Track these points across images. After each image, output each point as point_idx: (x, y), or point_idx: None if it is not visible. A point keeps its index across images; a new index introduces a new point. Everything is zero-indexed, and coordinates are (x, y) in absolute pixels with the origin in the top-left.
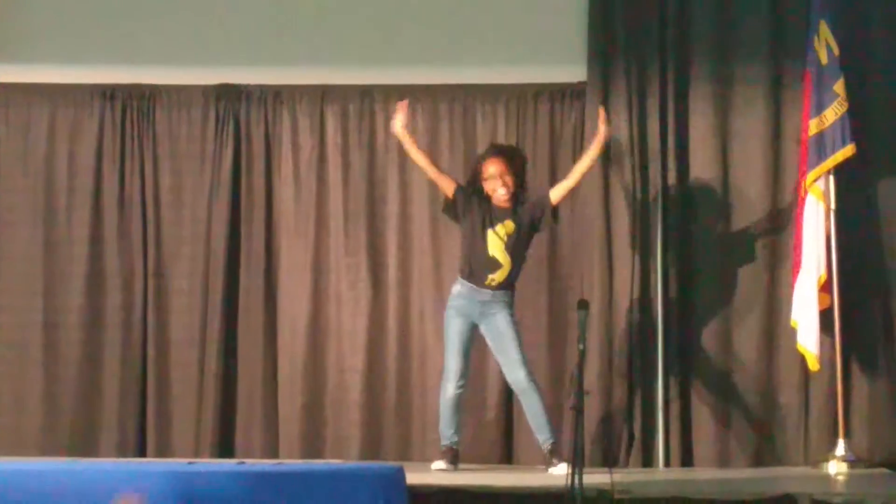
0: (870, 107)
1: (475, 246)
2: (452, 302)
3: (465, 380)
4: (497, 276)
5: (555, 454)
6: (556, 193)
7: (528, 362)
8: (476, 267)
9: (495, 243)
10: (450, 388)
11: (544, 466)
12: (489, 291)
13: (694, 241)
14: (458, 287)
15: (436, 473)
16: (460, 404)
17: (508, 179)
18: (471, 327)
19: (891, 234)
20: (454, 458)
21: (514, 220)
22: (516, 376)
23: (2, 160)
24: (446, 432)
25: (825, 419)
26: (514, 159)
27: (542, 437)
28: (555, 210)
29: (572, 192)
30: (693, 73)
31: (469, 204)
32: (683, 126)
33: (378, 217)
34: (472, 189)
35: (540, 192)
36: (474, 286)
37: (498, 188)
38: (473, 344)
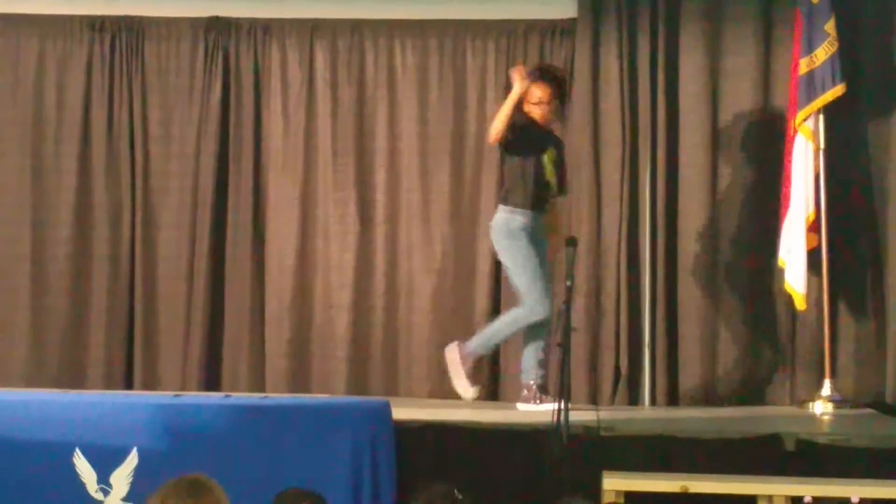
0: (860, 47)
1: (536, 173)
2: (522, 231)
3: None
4: (550, 201)
5: (540, 391)
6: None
7: None
8: (538, 193)
9: (549, 167)
10: (543, 311)
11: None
12: (542, 216)
13: (682, 180)
14: (520, 217)
15: (422, 409)
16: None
17: (555, 105)
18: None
19: (879, 175)
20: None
21: (555, 143)
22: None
23: None
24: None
25: (811, 359)
26: (561, 84)
27: (533, 375)
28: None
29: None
30: (683, 11)
31: (523, 133)
32: (673, 63)
33: (366, 152)
34: (518, 114)
35: None
36: (535, 212)
37: (546, 114)
38: None
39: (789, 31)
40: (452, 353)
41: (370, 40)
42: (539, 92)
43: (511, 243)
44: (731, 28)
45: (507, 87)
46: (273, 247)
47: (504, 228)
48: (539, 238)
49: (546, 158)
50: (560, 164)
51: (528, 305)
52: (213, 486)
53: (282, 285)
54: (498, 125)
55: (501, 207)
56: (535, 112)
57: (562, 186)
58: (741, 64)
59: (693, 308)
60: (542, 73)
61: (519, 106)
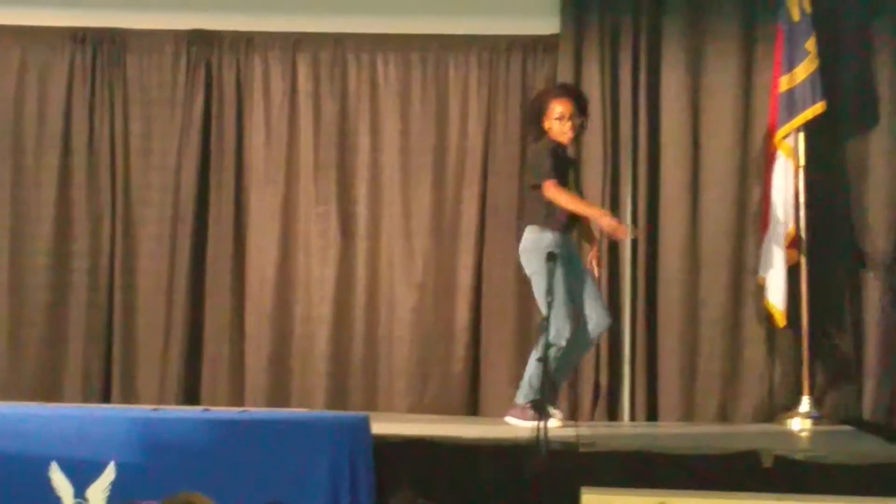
0: (841, 65)
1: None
2: (554, 251)
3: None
4: (577, 222)
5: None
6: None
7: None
8: (566, 213)
9: (574, 188)
10: (568, 334)
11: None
12: (571, 235)
13: (663, 195)
14: (550, 236)
15: (401, 424)
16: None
17: (577, 120)
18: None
19: (859, 192)
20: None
21: (575, 166)
22: (603, 321)
23: None
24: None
25: (790, 376)
26: (580, 101)
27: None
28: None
29: None
30: (665, 28)
31: (554, 155)
32: (655, 80)
33: (348, 166)
34: (538, 131)
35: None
36: (566, 234)
37: (568, 130)
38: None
39: (770, 49)
40: (514, 420)
41: (353, 54)
42: (560, 107)
43: (542, 265)
44: (712, 45)
45: (490, 103)
46: (253, 260)
47: (534, 248)
48: (571, 253)
49: (570, 178)
50: (579, 184)
51: (554, 329)
52: None
53: (262, 299)
54: (558, 201)
55: (530, 228)
56: (557, 128)
57: None
58: (722, 81)
59: (673, 324)
60: (562, 89)
61: (541, 125)
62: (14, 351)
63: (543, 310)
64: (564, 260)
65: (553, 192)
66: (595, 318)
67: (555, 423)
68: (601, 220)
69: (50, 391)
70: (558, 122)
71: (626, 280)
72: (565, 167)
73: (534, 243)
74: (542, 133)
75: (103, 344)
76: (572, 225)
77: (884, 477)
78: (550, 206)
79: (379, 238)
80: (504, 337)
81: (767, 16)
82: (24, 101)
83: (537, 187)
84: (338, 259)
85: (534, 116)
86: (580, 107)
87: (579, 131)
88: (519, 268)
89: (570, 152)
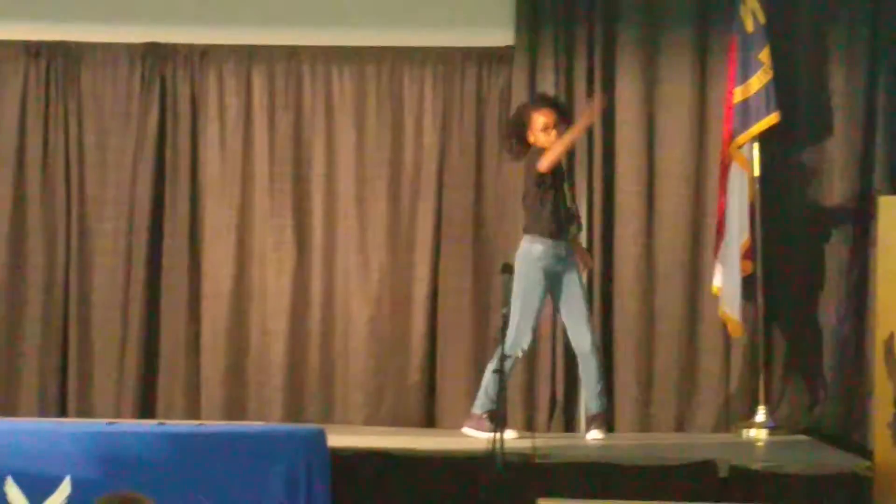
0: (795, 75)
1: (557, 201)
2: (538, 263)
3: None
4: (573, 229)
5: (594, 422)
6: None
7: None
8: (561, 222)
9: (569, 196)
10: (525, 346)
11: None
12: (565, 245)
13: (617, 207)
14: (540, 247)
15: (357, 437)
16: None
17: (561, 130)
18: (548, 288)
19: (814, 202)
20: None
21: (567, 176)
22: (583, 340)
23: None
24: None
25: (746, 386)
26: (560, 109)
27: (592, 405)
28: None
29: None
30: (620, 39)
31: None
32: (610, 91)
33: (304, 179)
34: (519, 140)
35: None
36: (557, 241)
37: (554, 139)
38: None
39: (725, 60)
40: (471, 430)
41: (307, 66)
42: (543, 118)
43: (522, 273)
44: (666, 56)
45: (445, 115)
46: (209, 273)
47: (525, 256)
48: (562, 262)
49: (565, 187)
50: (573, 194)
51: (510, 340)
52: None
53: (218, 311)
54: (554, 157)
55: (523, 237)
56: (542, 139)
57: (577, 216)
58: (677, 92)
59: (628, 335)
60: (541, 100)
61: (524, 138)
62: None
63: (511, 317)
64: (549, 273)
65: (546, 158)
66: (575, 341)
67: (511, 435)
68: (583, 126)
69: (5, 405)
70: (543, 133)
71: None
72: (561, 173)
73: (523, 252)
74: (526, 147)
75: (59, 358)
76: (562, 231)
77: (839, 487)
78: (536, 213)
79: (335, 251)
80: (460, 349)
81: (722, 27)
82: None
83: (529, 196)
84: (293, 272)
85: (517, 131)
86: (562, 115)
87: None
88: (475, 280)
89: (563, 164)
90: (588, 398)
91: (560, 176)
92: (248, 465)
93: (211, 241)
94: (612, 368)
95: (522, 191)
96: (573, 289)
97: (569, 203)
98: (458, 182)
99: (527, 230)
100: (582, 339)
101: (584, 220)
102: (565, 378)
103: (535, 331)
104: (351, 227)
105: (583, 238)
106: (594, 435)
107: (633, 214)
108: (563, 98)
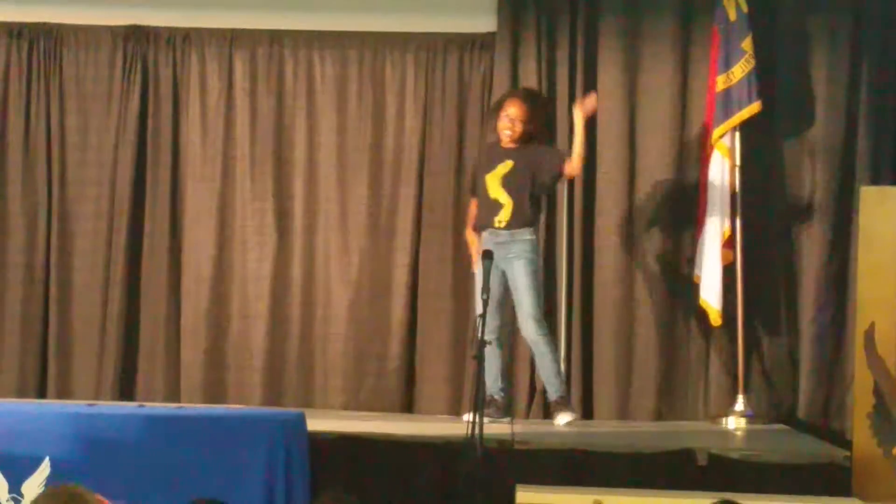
0: (777, 65)
1: (482, 192)
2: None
3: (497, 327)
4: (502, 217)
5: (557, 408)
6: (571, 168)
7: (541, 314)
8: (485, 212)
9: (493, 184)
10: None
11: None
12: (504, 232)
13: (598, 195)
14: (484, 234)
15: (337, 421)
16: (494, 353)
17: (518, 126)
18: (499, 273)
19: (795, 192)
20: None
21: (513, 158)
22: (526, 327)
23: None
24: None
25: (725, 374)
26: (535, 108)
27: (550, 391)
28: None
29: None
30: (602, 27)
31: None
32: (592, 79)
33: (285, 163)
34: (550, 132)
35: (558, 151)
36: (490, 230)
37: (505, 130)
38: (506, 290)
39: (707, 49)
40: (563, 417)
41: (290, 50)
42: (511, 109)
43: (538, 266)
44: (649, 45)
45: (426, 101)
46: (190, 256)
47: (536, 251)
48: (499, 255)
49: (490, 177)
50: (514, 177)
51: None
52: (90, 499)
53: (198, 295)
54: (584, 152)
55: (528, 230)
56: (499, 125)
57: None
58: (659, 81)
59: (608, 322)
60: (518, 92)
61: (545, 128)
62: None
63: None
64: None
65: (578, 164)
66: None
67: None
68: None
69: None
70: (501, 120)
71: (561, 279)
72: (490, 161)
73: (533, 247)
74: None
75: (39, 339)
76: (491, 222)
77: (817, 476)
78: (537, 208)
79: (315, 235)
80: (439, 335)
81: (704, 16)
82: None
83: (541, 189)
84: (274, 255)
85: (543, 119)
86: (533, 113)
87: (525, 136)
88: (456, 266)
89: (520, 148)
90: (546, 385)
91: (487, 166)
92: (227, 448)
93: (191, 225)
94: (590, 355)
95: (529, 185)
96: (517, 276)
97: (492, 194)
98: (440, 168)
99: (530, 223)
100: (526, 326)
101: (564, 212)
102: None
103: (497, 319)
104: (332, 211)
105: (563, 227)
106: (561, 420)
107: (613, 203)
108: (546, 98)
